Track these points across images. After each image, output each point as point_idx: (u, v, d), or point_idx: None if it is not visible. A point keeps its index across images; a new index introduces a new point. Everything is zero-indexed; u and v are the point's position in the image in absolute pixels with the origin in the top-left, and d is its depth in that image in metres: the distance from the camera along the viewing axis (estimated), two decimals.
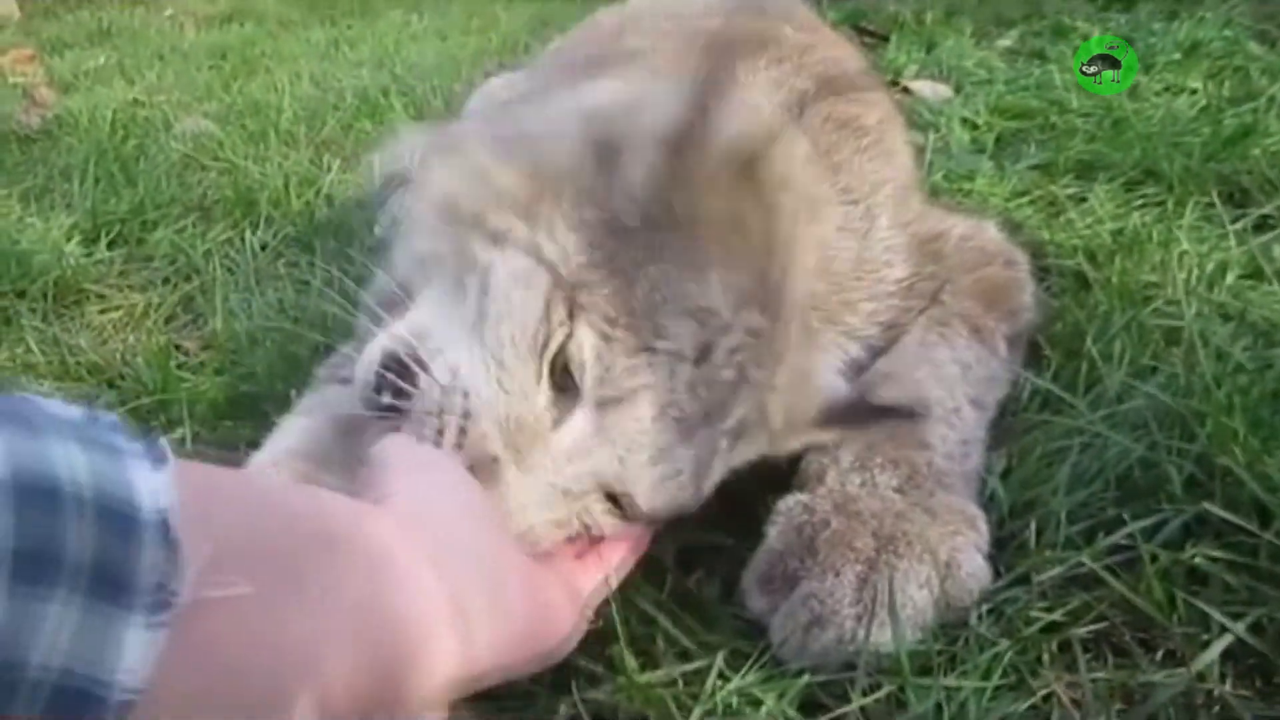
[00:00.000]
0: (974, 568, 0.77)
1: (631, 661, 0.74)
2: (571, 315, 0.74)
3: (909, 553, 0.76)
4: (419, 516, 0.62)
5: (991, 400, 0.98)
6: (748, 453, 0.81)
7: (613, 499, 0.78)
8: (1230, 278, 1.19)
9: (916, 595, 0.74)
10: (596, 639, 0.75)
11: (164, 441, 0.45)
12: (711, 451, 0.78)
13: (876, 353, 1.01)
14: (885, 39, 2.80)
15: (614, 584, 0.78)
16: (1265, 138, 1.66)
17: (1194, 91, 1.99)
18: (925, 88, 2.27)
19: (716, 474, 0.80)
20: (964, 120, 2.02)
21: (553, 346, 0.74)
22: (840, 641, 0.72)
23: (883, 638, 0.72)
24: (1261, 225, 1.41)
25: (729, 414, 0.77)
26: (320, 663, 0.49)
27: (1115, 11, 2.80)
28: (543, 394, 0.75)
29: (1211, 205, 1.42)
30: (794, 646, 0.73)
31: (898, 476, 0.83)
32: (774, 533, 0.80)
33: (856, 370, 0.99)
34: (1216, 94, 1.98)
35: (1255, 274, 1.23)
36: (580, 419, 0.75)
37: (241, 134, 2.32)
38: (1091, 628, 0.73)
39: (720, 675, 0.73)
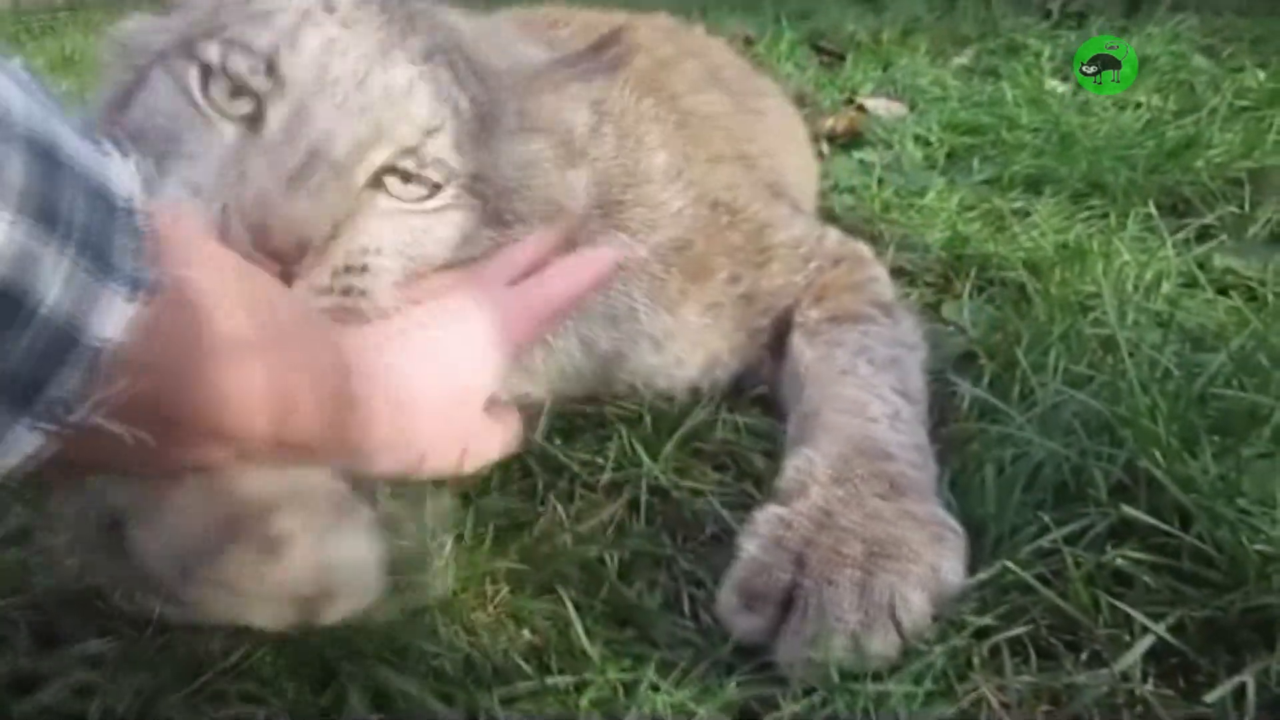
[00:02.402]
0: (958, 573, 0.78)
1: (565, 671, 0.74)
2: None
3: (900, 555, 0.76)
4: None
5: (913, 386, 1.00)
6: None
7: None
8: (1167, 286, 1.21)
9: (914, 598, 0.74)
10: (529, 648, 0.76)
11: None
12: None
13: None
14: (842, 58, 2.83)
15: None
16: (1208, 149, 1.70)
17: (1139, 105, 2.02)
18: (880, 105, 2.31)
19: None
20: (917, 137, 2.06)
21: None
22: (849, 650, 0.71)
23: (888, 643, 0.72)
24: (1203, 235, 1.44)
25: None
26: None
27: (1066, 29, 2.85)
28: None
29: (1153, 216, 1.44)
30: (801, 661, 0.72)
31: (880, 486, 0.84)
32: (753, 546, 0.79)
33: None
34: (1162, 107, 2.02)
35: (1193, 283, 1.26)
36: None
37: None
38: (1019, 631, 0.74)
39: (653, 686, 0.73)
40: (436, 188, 0.86)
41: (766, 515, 0.82)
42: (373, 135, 0.81)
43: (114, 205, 0.43)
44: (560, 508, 0.93)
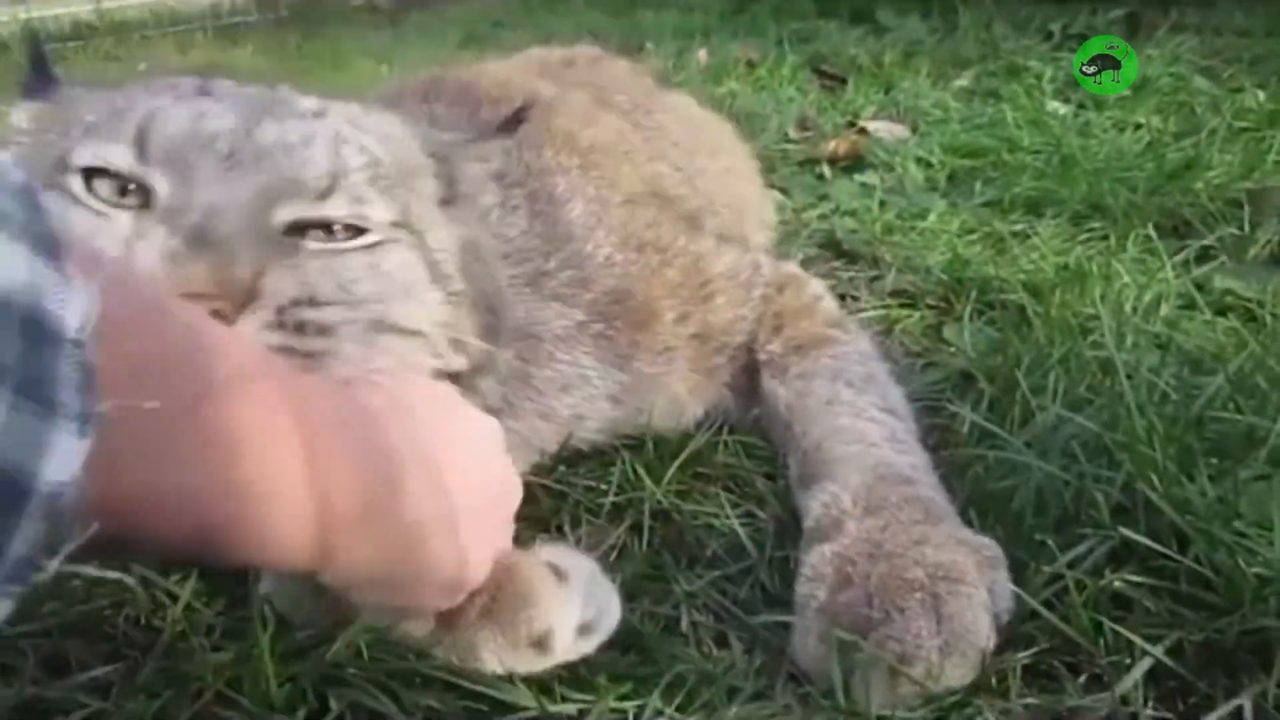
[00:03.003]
0: (1010, 596, 0.77)
1: (567, 699, 0.75)
2: None
3: (961, 579, 0.75)
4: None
5: (895, 400, 1.01)
6: None
7: None
8: (1166, 308, 1.22)
9: (983, 621, 0.74)
10: (532, 674, 0.76)
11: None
12: None
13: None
14: (844, 82, 2.85)
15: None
16: (1207, 171, 1.71)
17: (1139, 127, 2.04)
18: (882, 128, 2.32)
19: None
20: (918, 159, 2.07)
21: None
22: (927, 677, 0.71)
23: (965, 668, 0.72)
24: (1203, 257, 1.45)
25: None
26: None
27: (1067, 51, 2.86)
28: None
29: (1153, 238, 1.45)
30: (883, 694, 0.71)
31: (917, 512, 0.83)
32: (822, 591, 0.78)
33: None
34: (1162, 129, 2.03)
35: (1192, 304, 1.26)
36: None
37: None
38: (1023, 655, 0.75)
39: (657, 711, 0.74)
40: (362, 231, 0.79)
41: (821, 556, 0.81)
42: (272, 182, 0.76)
43: (61, 339, 0.41)
44: (567, 532, 0.94)
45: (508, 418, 0.93)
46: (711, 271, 1.11)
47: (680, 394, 1.08)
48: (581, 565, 0.80)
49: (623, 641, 0.82)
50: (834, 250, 1.66)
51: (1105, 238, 1.54)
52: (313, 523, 0.58)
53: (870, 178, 2.00)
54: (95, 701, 0.76)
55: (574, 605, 0.77)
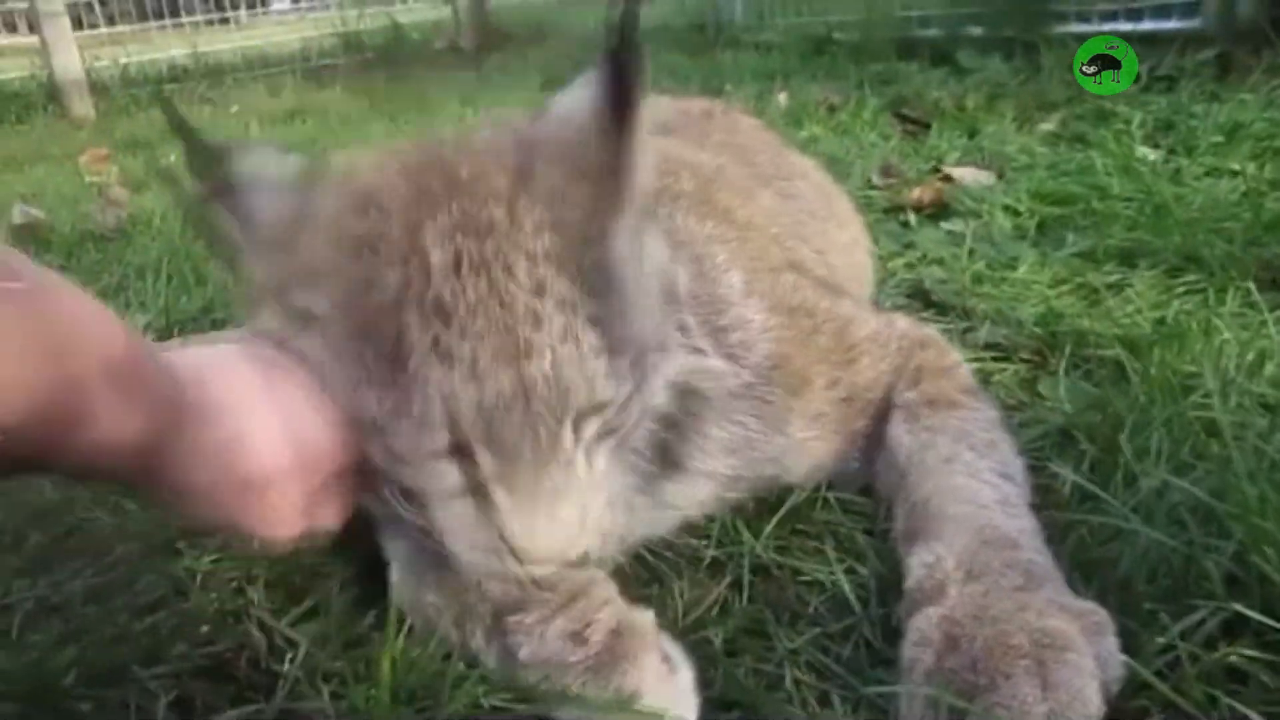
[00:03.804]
0: (1119, 664, 0.76)
1: None
2: None
3: (1067, 645, 0.75)
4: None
5: (1014, 468, 1.00)
6: None
7: None
8: (1270, 367, 1.20)
9: (1090, 689, 0.73)
10: None
11: None
12: None
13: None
14: (927, 126, 2.85)
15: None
16: None
17: (1235, 174, 2.00)
18: (967, 174, 2.31)
19: None
20: (1005, 207, 2.06)
21: None
22: None
23: None
24: None
25: None
26: None
27: (1156, 93, 2.83)
28: None
29: (1252, 292, 1.43)
30: None
31: (1018, 577, 0.83)
32: (929, 655, 0.78)
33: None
34: (1259, 176, 2.00)
35: None
36: None
37: None
38: None
39: None
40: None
41: (928, 619, 0.81)
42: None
43: None
44: (674, 587, 0.96)
45: (674, 473, 0.97)
46: (857, 336, 1.13)
47: (825, 458, 1.09)
48: (685, 666, 0.84)
49: (725, 699, 0.84)
50: (922, 300, 1.66)
51: (1202, 291, 1.52)
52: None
53: (956, 225, 2.00)
54: None
55: (668, 693, 0.81)
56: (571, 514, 0.79)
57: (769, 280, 1.11)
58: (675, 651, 0.84)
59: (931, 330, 1.23)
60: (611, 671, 0.79)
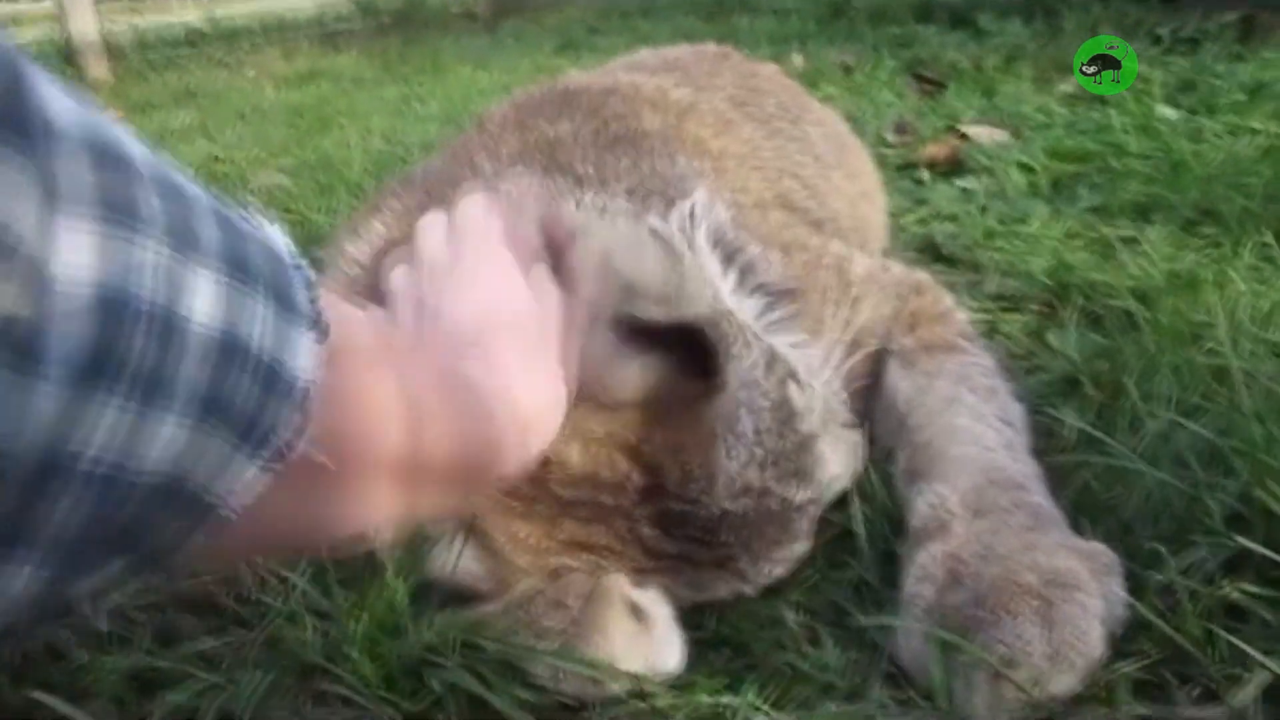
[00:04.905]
0: (1124, 606, 0.74)
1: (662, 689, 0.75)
2: None
3: (1076, 586, 0.73)
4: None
5: (1014, 414, 0.98)
6: None
7: None
8: None
9: (1095, 632, 0.71)
10: None
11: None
12: None
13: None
14: (943, 86, 2.81)
15: None
16: None
17: (1255, 132, 1.96)
18: (982, 133, 2.27)
19: None
20: (1020, 164, 2.02)
21: None
22: (1034, 684, 0.69)
23: (1072, 678, 0.70)
24: None
25: None
26: None
27: (1179, 54, 2.78)
28: None
29: (1270, 246, 1.40)
30: (985, 700, 0.70)
31: (1027, 517, 0.82)
32: (928, 589, 0.77)
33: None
34: None
35: None
36: None
37: (313, 187, 2.41)
38: (1131, 666, 0.73)
39: (753, 707, 0.74)
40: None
41: (931, 556, 0.80)
42: None
43: (283, 260, 0.46)
44: None
45: None
46: (854, 274, 1.10)
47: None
48: (661, 612, 0.80)
49: (716, 637, 0.83)
50: (932, 254, 1.64)
51: (1218, 245, 1.49)
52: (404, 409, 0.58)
53: (970, 183, 1.97)
54: (206, 674, 0.79)
55: (641, 650, 0.77)
56: None
57: (756, 216, 1.08)
58: (646, 597, 0.80)
59: (925, 275, 1.20)
60: (585, 646, 0.76)
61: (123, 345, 0.36)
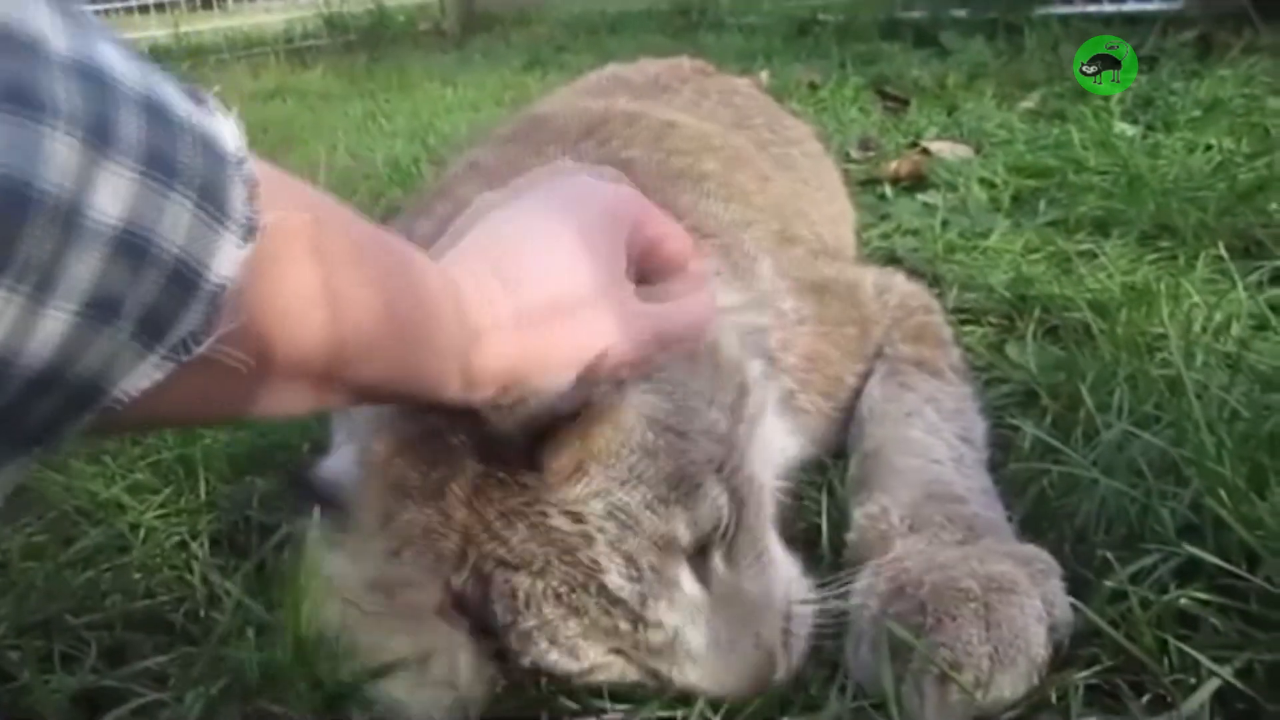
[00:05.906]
0: (1067, 609, 0.75)
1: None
2: None
3: (1014, 588, 0.74)
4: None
5: (976, 435, 0.98)
6: None
7: None
8: (1237, 328, 1.19)
9: (1035, 630, 0.72)
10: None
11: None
12: None
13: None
14: (907, 103, 2.83)
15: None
16: None
17: (1210, 148, 1.99)
18: (945, 149, 2.29)
19: None
20: (982, 180, 2.04)
21: None
22: (977, 685, 0.69)
23: (1017, 679, 0.70)
24: (1276, 278, 1.41)
25: None
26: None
27: (1138, 72, 2.81)
28: None
29: (1224, 259, 1.42)
30: (934, 704, 0.70)
31: (959, 531, 0.83)
32: (873, 601, 0.77)
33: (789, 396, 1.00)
34: (1234, 149, 1.98)
35: (1265, 325, 1.23)
36: None
37: None
38: (1085, 674, 0.73)
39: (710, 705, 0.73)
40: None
41: (875, 569, 0.80)
42: None
43: (225, 156, 0.46)
44: None
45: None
46: (865, 300, 1.12)
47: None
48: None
49: None
50: (893, 268, 1.64)
51: (1174, 258, 1.51)
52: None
53: (933, 197, 1.98)
54: (152, 691, 0.77)
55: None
56: None
57: (786, 258, 1.09)
58: None
59: (930, 297, 1.21)
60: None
61: (19, 234, 0.37)
